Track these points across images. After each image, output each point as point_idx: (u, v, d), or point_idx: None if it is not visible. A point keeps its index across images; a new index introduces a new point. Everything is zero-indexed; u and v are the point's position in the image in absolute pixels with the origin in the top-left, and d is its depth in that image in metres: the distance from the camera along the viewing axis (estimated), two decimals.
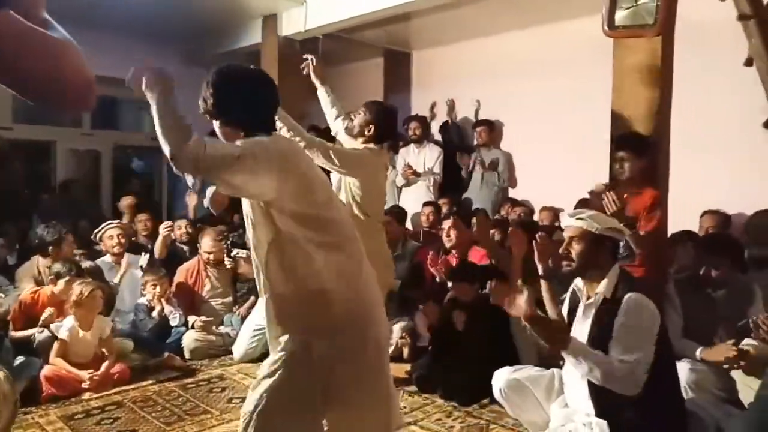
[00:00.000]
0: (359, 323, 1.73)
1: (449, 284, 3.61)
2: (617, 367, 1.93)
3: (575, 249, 2.16)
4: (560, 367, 2.32)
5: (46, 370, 3.20)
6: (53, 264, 3.74)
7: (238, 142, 1.62)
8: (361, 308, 1.74)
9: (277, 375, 1.71)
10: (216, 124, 1.77)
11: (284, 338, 1.75)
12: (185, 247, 4.80)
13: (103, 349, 3.42)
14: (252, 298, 4.26)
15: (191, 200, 5.55)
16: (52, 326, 3.36)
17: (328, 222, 1.71)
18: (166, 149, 1.52)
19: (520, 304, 2.01)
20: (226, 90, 1.71)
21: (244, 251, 4.32)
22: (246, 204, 1.73)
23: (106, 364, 3.34)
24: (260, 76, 1.80)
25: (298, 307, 1.72)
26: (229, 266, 4.26)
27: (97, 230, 4.42)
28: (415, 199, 5.44)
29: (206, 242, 4.27)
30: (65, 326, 3.34)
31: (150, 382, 3.45)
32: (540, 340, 2.12)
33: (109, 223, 4.44)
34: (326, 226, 1.70)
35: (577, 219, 2.17)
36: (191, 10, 5.53)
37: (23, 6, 0.86)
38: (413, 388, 3.32)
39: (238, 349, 3.89)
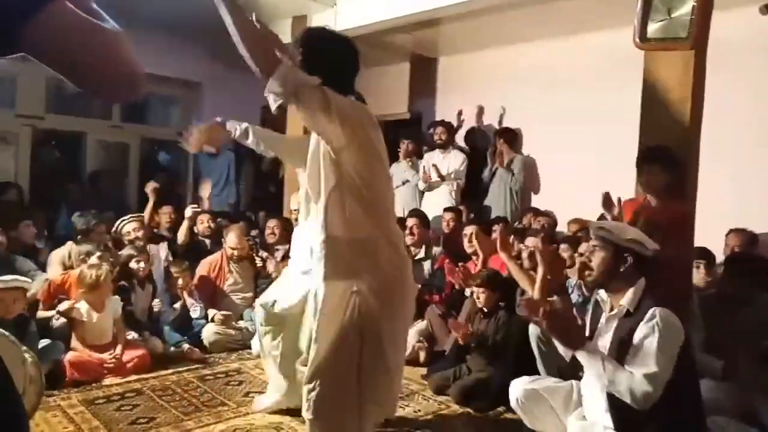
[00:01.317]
0: (401, 280, 1.90)
1: (468, 291, 3.61)
2: (626, 378, 1.91)
3: (596, 259, 2.15)
4: (579, 379, 2.31)
5: (69, 355, 3.27)
6: (81, 245, 3.85)
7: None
8: (403, 268, 1.92)
9: (336, 348, 1.86)
10: None
11: (333, 288, 1.87)
12: (207, 241, 4.87)
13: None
14: None
15: (205, 190, 5.60)
16: (72, 312, 3.43)
17: (380, 195, 1.87)
18: (257, 68, 1.62)
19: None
20: (315, 50, 1.84)
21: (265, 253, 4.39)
22: (313, 147, 1.87)
23: (120, 345, 3.44)
24: (346, 41, 1.93)
25: (349, 250, 1.86)
26: (259, 265, 4.29)
27: (115, 225, 4.49)
28: (436, 204, 5.44)
29: (231, 238, 4.32)
30: (81, 309, 3.42)
31: (169, 371, 3.51)
32: (556, 342, 2.13)
33: (128, 217, 4.52)
34: (378, 195, 1.86)
35: (599, 229, 2.17)
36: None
37: None
38: (428, 392, 3.32)
39: (257, 344, 3.91)
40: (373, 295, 1.84)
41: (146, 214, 4.99)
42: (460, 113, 6.30)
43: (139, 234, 4.35)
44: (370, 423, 2.00)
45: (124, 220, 4.49)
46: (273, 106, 1.68)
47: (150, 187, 5.23)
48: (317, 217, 1.92)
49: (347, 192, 1.82)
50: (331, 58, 1.85)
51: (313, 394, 1.88)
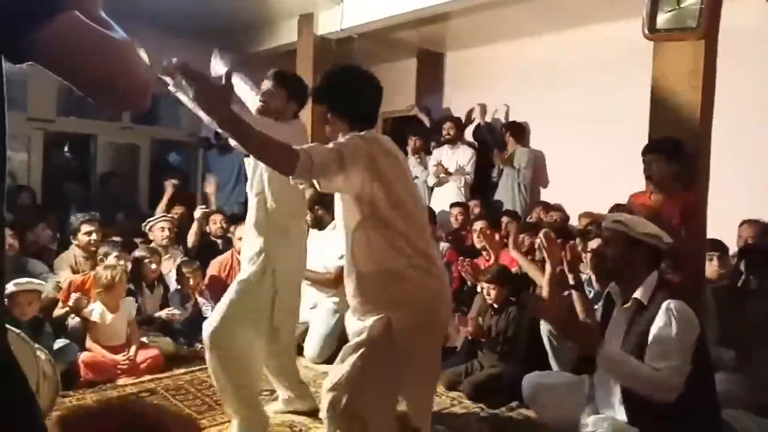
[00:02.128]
0: (430, 304, 1.94)
1: (479, 287, 3.60)
2: (649, 375, 1.90)
3: (610, 252, 2.14)
4: (591, 373, 2.29)
5: (84, 356, 3.30)
6: (100, 247, 3.92)
7: (330, 145, 1.82)
8: (432, 291, 1.95)
9: (360, 352, 1.89)
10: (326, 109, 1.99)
11: (367, 321, 1.92)
12: (219, 241, 4.89)
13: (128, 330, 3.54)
14: None
15: (209, 187, 5.59)
16: (84, 311, 3.47)
17: (407, 216, 1.91)
18: (281, 171, 1.78)
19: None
20: (340, 84, 1.98)
21: None
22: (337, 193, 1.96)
23: (134, 346, 3.47)
24: (369, 77, 2.03)
25: (378, 283, 1.93)
26: None
27: (149, 220, 4.54)
28: (445, 199, 5.43)
29: (242, 230, 4.32)
30: (96, 311, 3.45)
31: (182, 371, 3.53)
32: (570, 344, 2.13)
33: (161, 216, 4.57)
34: (405, 218, 1.90)
35: (614, 222, 2.16)
36: (228, 9, 5.62)
37: (83, 6, 0.88)
38: (441, 388, 3.32)
39: None
40: (405, 318, 1.89)
41: (159, 210, 5.02)
42: (471, 111, 6.27)
43: (170, 234, 4.40)
44: None
45: (161, 216, 4.54)
46: (299, 186, 1.86)
47: (169, 182, 5.27)
48: (345, 253, 1.99)
49: (371, 227, 1.89)
50: (357, 95, 1.98)
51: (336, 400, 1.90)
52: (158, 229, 4.43)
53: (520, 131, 5.78)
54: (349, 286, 1.99)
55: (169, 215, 4.69)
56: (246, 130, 1.72)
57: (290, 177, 1.76)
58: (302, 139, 2.37)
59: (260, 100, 2.57)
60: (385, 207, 1.86)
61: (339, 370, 1.91)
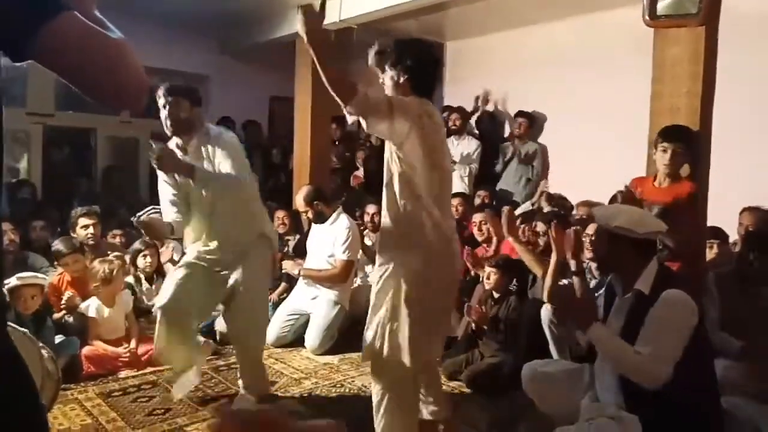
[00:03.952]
0: (440, 260, 2.15)
1: (482, 275, 3.60)
2: (632, 359, 1.91)
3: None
4: (591, 361, 2.29)
5: (86, 350, 3.31)
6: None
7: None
8: (444, 248, 2.16)
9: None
10: (391, 74, 2.20)
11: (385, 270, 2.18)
12: None
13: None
14: (283, 284, 4.34)
15: None
16: (81, 307, 3.47)
17: (440, 185, 2.13)
18: (340, 99, 1.99)
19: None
20: (417, 54, 2.20)
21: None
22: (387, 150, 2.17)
23: (135, 339, 3.48)
24: (436, 55, 2.33)
25: (397, 234, 2.16)
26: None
27: (140, 214, 4.50)
28: None
29: None
30: (92, 306, 3.45)
31: None
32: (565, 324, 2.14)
33: (152, 208, 4.52)
34: (437, 186, 2.11)
35: (596, 217, 2.14)
36: (227, 0, 5.59)
37: (81, 6, 0.90)
38: (441, 377, 3.32)
39: (271, 334, 3.95)
40: (416, 269, 2.11)
41: None
42: (477, 98, 6.26)
43: None
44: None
45: (153, 209, 4.49)
46: (350, 120, 2.12)
47: None
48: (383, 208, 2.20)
49: (404, 181, 2.09)
50: (424, 67, 2.21)
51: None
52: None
53: (533, 120, 5.79)
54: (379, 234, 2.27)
55: (154, 207, 4.63)
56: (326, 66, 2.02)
57: (345, 107, 1.98)
58: None
59: None
60: (422, 167, 2.05)
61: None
